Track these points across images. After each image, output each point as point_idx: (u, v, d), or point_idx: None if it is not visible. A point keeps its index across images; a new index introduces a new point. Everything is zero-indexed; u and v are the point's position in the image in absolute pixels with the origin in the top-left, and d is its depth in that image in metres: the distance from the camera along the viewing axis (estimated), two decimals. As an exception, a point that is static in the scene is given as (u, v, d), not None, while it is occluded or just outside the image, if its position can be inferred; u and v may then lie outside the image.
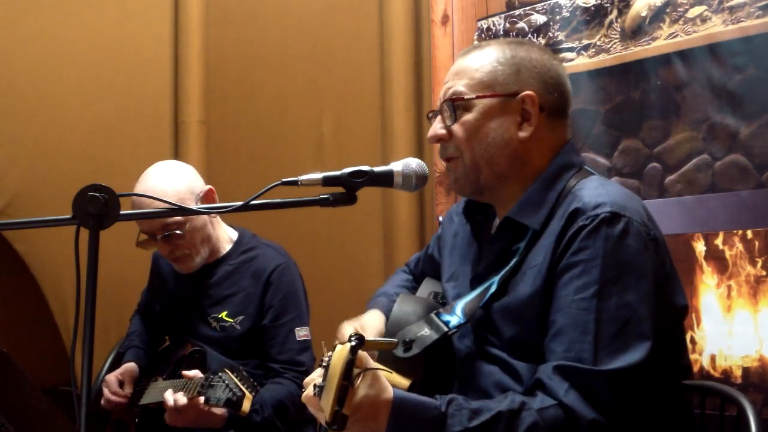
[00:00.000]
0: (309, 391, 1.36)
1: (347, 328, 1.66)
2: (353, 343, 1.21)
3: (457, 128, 1.54)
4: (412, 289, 1.90)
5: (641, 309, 1.36)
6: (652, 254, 1.42)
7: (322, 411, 1.24)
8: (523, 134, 1.53)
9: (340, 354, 1.22)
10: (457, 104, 1.54)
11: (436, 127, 1.58)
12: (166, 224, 2.23)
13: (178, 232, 2.24)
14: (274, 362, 2.29)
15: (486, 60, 1.56)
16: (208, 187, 2.35)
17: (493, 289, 1.51)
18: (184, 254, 2.31)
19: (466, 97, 1.53)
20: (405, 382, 1.48)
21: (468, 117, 1.53)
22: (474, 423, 1.29)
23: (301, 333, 2.31)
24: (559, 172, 1.54)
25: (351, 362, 1.20)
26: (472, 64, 1.57)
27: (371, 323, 1.70)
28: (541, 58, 1.58)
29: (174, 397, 2.07)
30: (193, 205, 2.25)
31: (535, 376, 1.39)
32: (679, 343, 1.51)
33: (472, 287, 1.59)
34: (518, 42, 1.62)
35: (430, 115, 1.65)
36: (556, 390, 1.33)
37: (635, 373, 1.33)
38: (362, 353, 1.28)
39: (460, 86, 1.55)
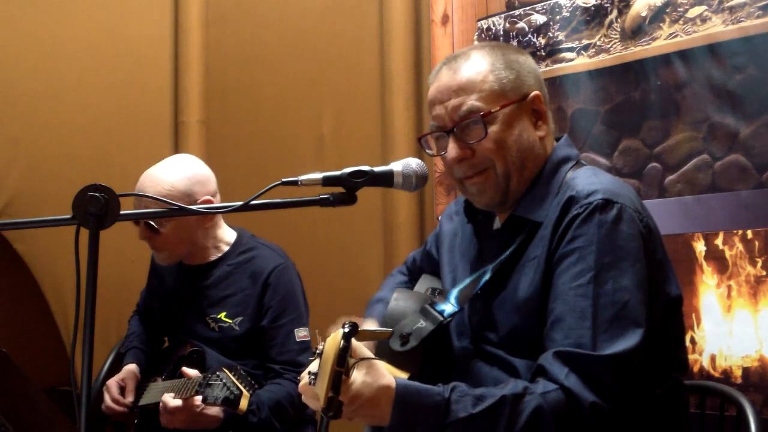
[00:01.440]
0: (304, 380, 1.37)
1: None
2: (346, 330, 1.21)
3: (484, 142, 1.52)
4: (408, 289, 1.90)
5: (637, 293, 1.38)
6: (644, 239, 1.43)
7: (318, 399, 1.24)
8: (540, 133, 1.57)
9: (332, 341, 1.22)
10: (486, 120, 1.51)
11: (456, 148, 1.53)
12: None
13: (153, 225, 2.26)
14: (274, 363, 2.29)
15: (483, 68, 1.55)
16: (207, 197, 2.32)
17: (486, 276, 1.52)
18: (158, 248, 2.34)
19: (492, 110, 1.51)
20: (403, 375, 1.48)
21: (494, 129, 1.52)
22: (479, 408, 1.30)
23: (301, 334, 2.31)
24: (557, 165, 1.57)
25: (345, 349, 1.19)
26: (473, 76, 1.54)
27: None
28: (523, 57, 1.62)
29: (164, 399, 2.09)
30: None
31: (537, 363, 1.39)
32: (673, 335, 1.51)
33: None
34: (495, 45, 1.64)
35: (424, 141, 1.62)
36: (557, 374, 1.34)
37: (633, 357, 1.34)
38: (357, 343, 1.28)
39: (473, 101, 1.52)
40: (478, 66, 1.55)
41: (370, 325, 1.72)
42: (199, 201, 2.30)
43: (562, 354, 1.36)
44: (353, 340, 1.24)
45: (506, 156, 1.53)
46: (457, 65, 1.56)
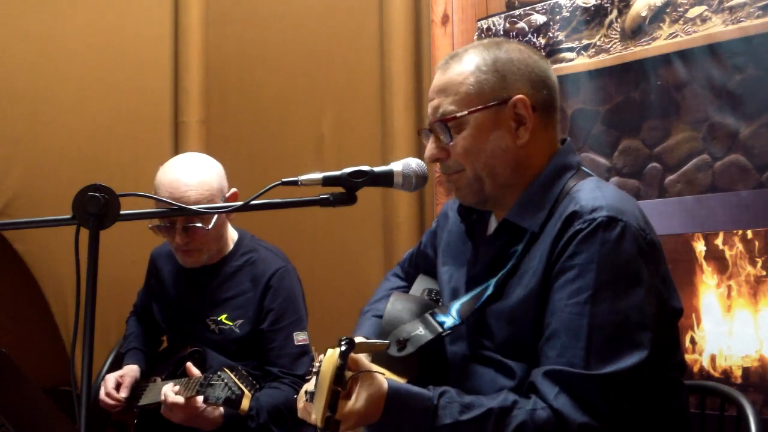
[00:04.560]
0: (302, 399, 1.37)
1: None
2: (343, 348, 1.21)
3: (453, 147, 1.52)
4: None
5: (635, 315, 1.36)
6: (647, 259, 1.41)
7: (315, 418, 1.25)
8: (521, 141, 1.51)
9: (329, 359, 1.23)
10: (449, 125, 1.51)
11: (432, 148, 1.55)
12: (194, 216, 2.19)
13: (199, 225, 2.22)
14: (273, 366, 2.29)
15: (468, 70, 1.52)
16: (234, 189, 2.33)
17: (489, 291, 1.50)
18: (197, 248, 2.29)
19: (458, 115, 1.50)
20: (400, 381, 1.48)
21: (463, 134, 1.51)
22: (464, 417, 1.32)
23: (300, 337, 2.30)
24: (557, 173, 1.53)
25: (341, 367, 1.20)
26: (455, 78, 1.53)
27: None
28: (522, 56, 1.54)
29: (164, 391, 2.08)
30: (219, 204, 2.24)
31: (529, 380, 1.39)
32: (671, 342, 1.51)
33: (468, 288, 1.58)
34: (496, 43, 1.58)
35: (421, 133, 1.63)
36: (546, 394, 1.34)
37: (627, 378, 1.33)
38: (356, 356, 1.28)
39: (447, 105, 1.51)
40: (463, 67, 1.53)
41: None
42: (227, 195, 2.31)
43: (553, 373, 1.35)
44: (352, 353, 1.25)
45: (474, 162, 1.51)
46: (447, 65, 1.56)
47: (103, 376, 2.49)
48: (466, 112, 1.50)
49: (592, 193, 1.46)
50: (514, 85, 1.51)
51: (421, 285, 1.83)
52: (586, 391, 1.32)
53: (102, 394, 2.34)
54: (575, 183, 1.51)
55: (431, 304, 1.68)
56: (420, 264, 1.91)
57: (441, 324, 1.54)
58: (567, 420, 1.31)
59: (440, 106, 1.53)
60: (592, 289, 1.37)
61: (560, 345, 1.36)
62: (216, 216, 2.22)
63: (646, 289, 1.39)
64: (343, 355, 1.20)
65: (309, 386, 1.40)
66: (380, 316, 1.71)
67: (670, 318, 1.48)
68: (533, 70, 1.54)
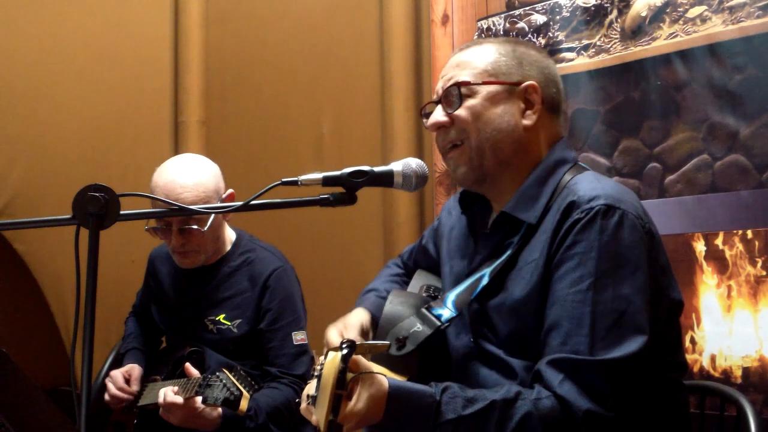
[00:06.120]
0: (304, 403, 1.38)
1: (332, 332, 1.65)
2: (344, 352, 1.21)
3: (461, 112, 1.54)
4: (403, 283, 1.90)
5: (637, 301, 1.37)
6: (647, 246, 1.42)
7: (317, 422, 1.25)
8: (526, 122, 1.55)
9: (331, 363, 1.22)
10: (462, 90, 1.54)
11: (437, 114, 1.57)
12: (189, 217, 2.20)
13: (195, 227, 2.22)
14: (271, 366, 2.29)
15: (486, 52, 1.58)
16: (231, 190, 2.33)
17: (484, 281, 1.51)
18: (194, 250, 2.29)
19: (471, 81, 1.54)
20: (401, 379, 1.48)
21: (473, 102, 1.54)
22: (468, 411, 1.32)
23: (298, 337, 2.30)
24: (554, 166, 1.55)
25: (343, 371, 1.20)
26: (473, 57, 1.58)
27: (354, 322, 1.69)
28: (539, 54, 1.62)
29: (165, 393, 2.08)
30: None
31: (534, 369, 1.39)
32: (673, 339, 1.51)
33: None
34: (515, 40, 1.66)
35: (423, 112, 1.65)
36: (551, 381, 1.34)
37: (631, 364, 1.34)
38: (357, 357, 1.28)
39: (463, 76, 1.56)
40: (483, 51, 1.59)
41: (361, 315, 1.72)
42: (224, 195, 2.30)
43: (557, 361, 1.35)
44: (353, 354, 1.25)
45: (480, 129, 1.53)
46: (467, 47, 1.62)
47: (104, 377, 2.49)
48: (480, 82, 1.54)
49: (590, 184, 1.48)
50: (529, 72, 1.57)
51: (419, 281, 1.83)
52: (591, 378, 1.33)
53: (114, 390, 2.34)
54: (572, 176, 1.53)
55: (427, 300, 1.68)
56: (419, 259, 1.92)
57: (438, 317, 1.55)
58: (572, 407, 1.31)
59: (454, 76, 1.57)
60: (593, 276, 1.38)
61: (564, 333, 1.37)
62: (212, 217, 2.22)
63: (645, 274, 1.40)
64: (345, 359, 1.20)
65: (310, 389, 1.40)
66: (382, 297, 1.73)
67: (670, 309, 1.48)
68: (547, 68, 1.60)
